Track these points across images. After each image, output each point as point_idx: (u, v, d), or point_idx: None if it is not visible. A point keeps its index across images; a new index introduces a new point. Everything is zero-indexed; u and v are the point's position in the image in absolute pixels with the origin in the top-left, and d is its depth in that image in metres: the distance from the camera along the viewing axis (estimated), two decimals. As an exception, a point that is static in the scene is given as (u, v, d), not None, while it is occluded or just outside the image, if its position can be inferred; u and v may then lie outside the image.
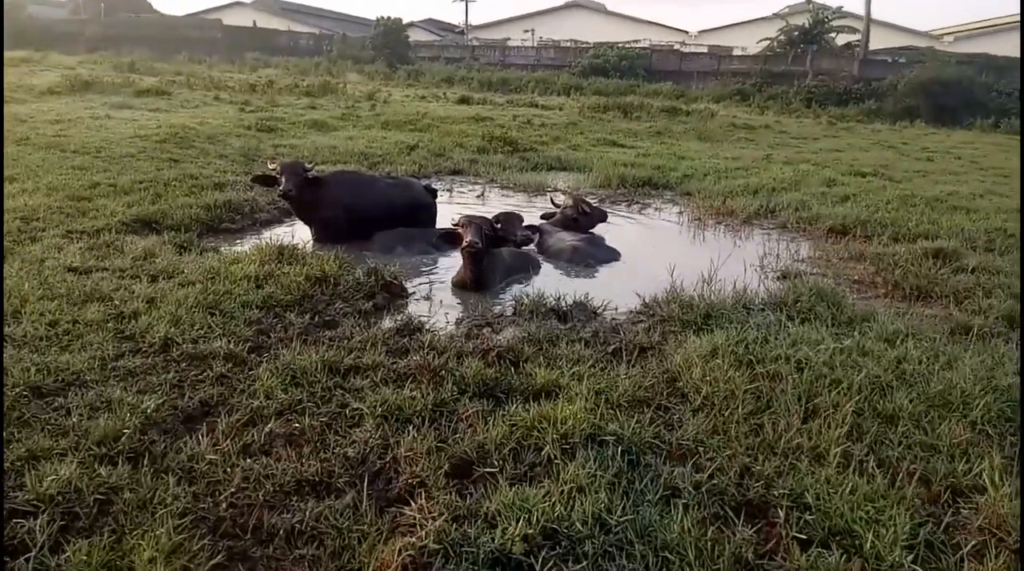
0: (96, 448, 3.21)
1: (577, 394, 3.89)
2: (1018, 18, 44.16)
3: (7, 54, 34.02)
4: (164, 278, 5.74)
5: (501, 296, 6.60)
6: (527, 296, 5.99)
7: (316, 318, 5.21)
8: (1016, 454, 3.59)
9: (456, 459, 3.29)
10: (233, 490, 2.98)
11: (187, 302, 5.07)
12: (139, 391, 3.84)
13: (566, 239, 8.00)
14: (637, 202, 11.47)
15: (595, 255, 7.75)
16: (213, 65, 42.38)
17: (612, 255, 7.93)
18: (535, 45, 57.31)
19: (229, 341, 4.52)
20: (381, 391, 3.93)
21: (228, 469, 3.13)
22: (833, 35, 47.98)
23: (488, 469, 3.23)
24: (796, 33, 46.54)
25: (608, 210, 10.18)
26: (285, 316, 5.15)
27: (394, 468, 3.26)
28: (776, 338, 5.01)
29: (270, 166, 8.11)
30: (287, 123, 18.05)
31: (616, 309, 6.13)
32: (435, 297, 6.44)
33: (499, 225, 7.96)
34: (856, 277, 7.30)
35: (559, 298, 5.93)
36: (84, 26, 54.24)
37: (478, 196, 11.62)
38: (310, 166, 8.12)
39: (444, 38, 66.45)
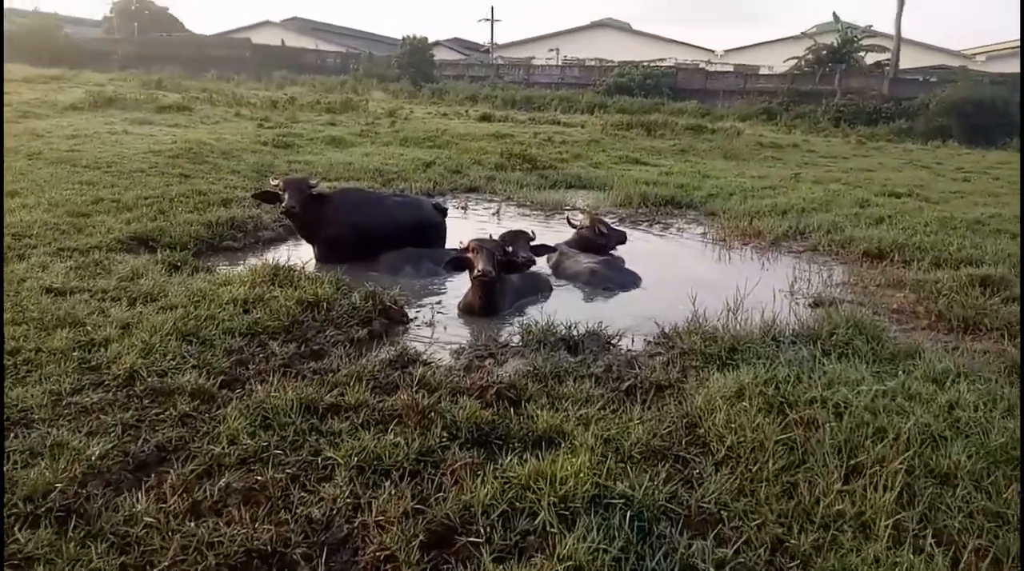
0: (21, 505, 2.79)
1: (582, 445, 3.40)
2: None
3: (40, 72, 34.54)
4: (146, 301, 5.35)
5: (509, 322, 6.14)
6: (535, 324, 5.50)
7: (303, 347, 4.78)
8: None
9: (436, 525, 2.80)
10: (168, 563, 2.53)
11: (164, 328, 4.67)
12: (90, 432, 3.42)
13: (583, 261, 7.54)
14: (659, 222, 10.98)
15: (613, 279, 7.26)
16: (241, 83, 42.69)
17: (631, 279, 7.44)
18: (560, 64, 57.13)
19: (201, 374, 4.09)
20: (360, 436, 3.46)
21: (168, 535, 2.68)
22: (862, 54, 47.12)
23: (472, 539, 2.75)
24: (824, 52, 45.79)
25: (628, 229, 9.69)
26: (269, 345, 4.72)
27: (363, 535, 2.78)
28: (810, 377, 4.49)
29: (272, 182, 7.76)
30: (305, 139, 17.82)
31: (632, 339, 5.64)
32: (438, 323, 5.99)
33: (505, 245, 7.52)
34: (895, 306, 6.73)
35: (570, 326, 5.46)
36: (117, 45, 55.11)
37: (493, 214, 11.20)
38: (315, 182, 7.75)
39: (469, 57, 66.53)
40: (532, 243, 7.61)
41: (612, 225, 9.15)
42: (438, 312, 6.35)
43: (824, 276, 7.74)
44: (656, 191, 12.52)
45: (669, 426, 3.81)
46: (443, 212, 8.29)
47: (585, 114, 35.41)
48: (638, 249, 9.00)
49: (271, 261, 6.44)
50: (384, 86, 46.47)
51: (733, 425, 3.73)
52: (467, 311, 6.32)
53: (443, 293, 7.02)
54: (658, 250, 9.33)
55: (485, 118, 28.12)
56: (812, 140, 28.78)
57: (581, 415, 3.84)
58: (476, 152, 17.00)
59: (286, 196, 7.34)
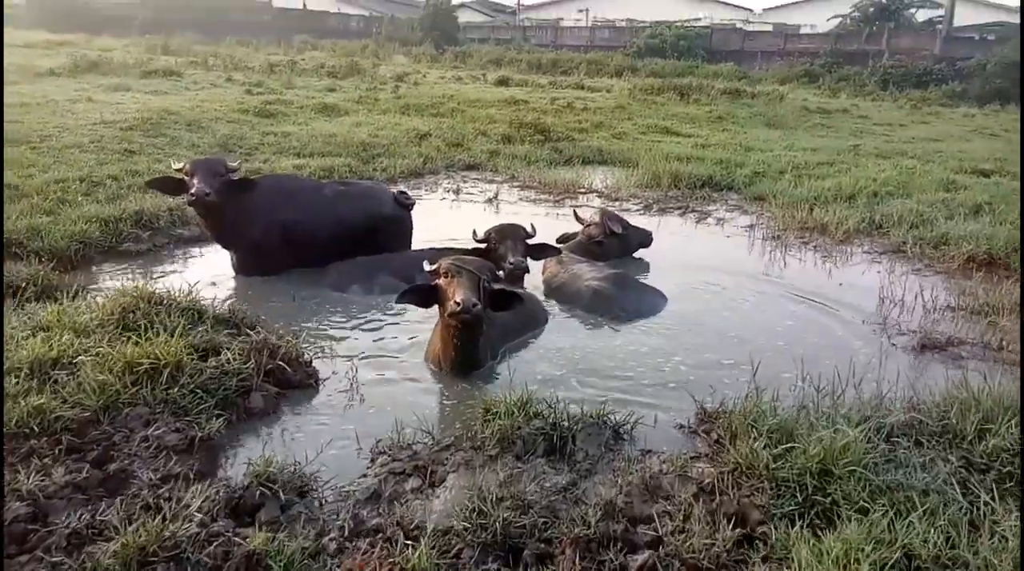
0: None
1: None
2: None
3: (52, 37, 32.65)
4: None
5: (479, 384, 4.14)
6: (504, 400, 3.49)
7: (92, 468, 2.83)
8: None
9: None
10: None
11: None
12: None
13: (585, 275, 5.46)
14: (694, 210, 8.82)
15: (626, 303, 5.19)
16: (260, 48, 40.52)
17: (651, 302, 5.35)
18: (589, 25, 54.30)
19: None
20: None
21: None
22: (913, 10, 43.80)
23: None
24: (872, 8, 42.49)
25: (656, 221, 7.62)
26: (30, 464, 2.78)
27: None
28: (972, 545, 2.46)
29: (175, 166, 5.81)
30: (294, 107, 15.86)
31: (654, 421, 3.62)
32: (364, 386, 4.01)
33: (490, 244, 5.50)
34: (1041, 351, 4.61)
35: (556, 406, 3.44)
36: (137, 10, 53.37)
37: (488, 200, 9.13)
38: (234, 165, 5.79)
39: (495, 19, 63.76)
40: (531, 241, 5.60)
41: (633, 220, 7.06)
42: (376, 360, 4.38)
43: (924, 297, 5.58)
44: (690, 169, 10.33)
45: None
46: (405, 205, 6.25)
47: (614, 78, 32.84)
48: (665, 251, 6.89)
49: (138, 285, 4.45)
50: (406, 50, 44.19)
51: None
52: (435, 363, 4.32)
53: (395, 324, 5.02)
54: (691, 253, 7.18)
55: (502, 82, 25.83)
56: (861, 105, 26.04)
57: None
58: (483, 121, 14.88)
59: (195, 181, 5.42)
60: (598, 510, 2.71)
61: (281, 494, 2.75)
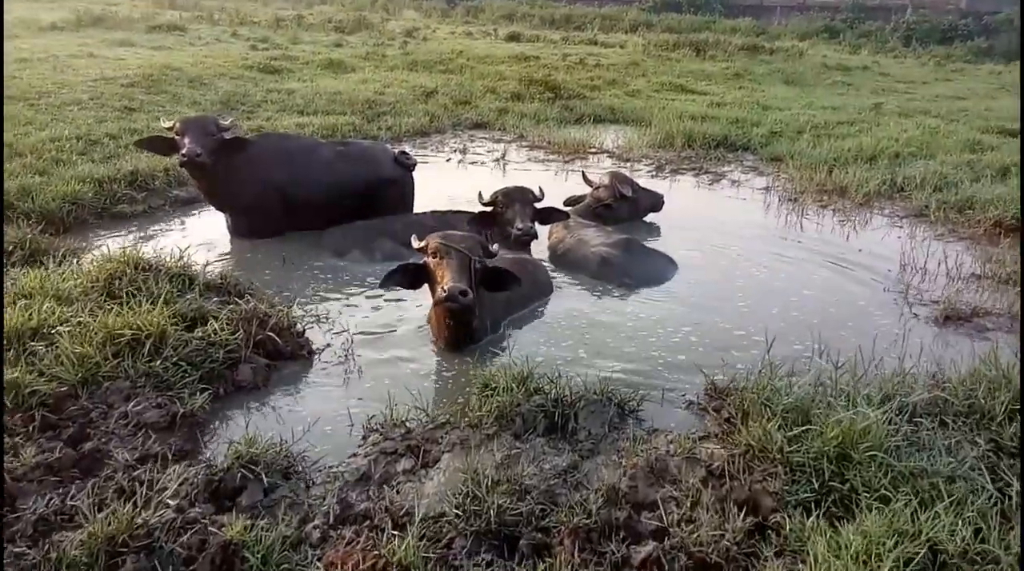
0: None
1: None
2: None
3: None
4: None
5: (479, 358, 3.95)
6: (503, 374, 3.32)
7: (67, 448, 2.69)
8: None
9: None
10: None
11: None
12: None
13: (592, 241, 5.24)
14: (708, 171, 8.52)
15: (634, 270, 4.97)
16: (268, 1, 39.77)
17: (662, 270, 5.14)
18: (603, -22, 52.93)
19: None
20: None
21: None
22: (940, -37, 42.32)
23: None
24: (897, -39, 41.11)
25: (668, 183, 7.34)
26: None
27: None
28: (1002, 537, 2.29)
29: (165, 124, 5.60)
30: (299, 63, 15.51)
31: (661, 398, 3.45)
32: (359, 357, 3.85)
33: (497, 208, 5.29)
34: (1073, 324, 4.38)
35: (558, 382, 3.27)
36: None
37: (496, 160, 8.86)
38: (226, 123, 5.57)
39: (507, -28, 62.26)
40: (538, 205, 5.37)
41: (644, 181, 6.81)
42: (373, 331, 4.21)
43: (948, 263, 5.34)
44: (705, 128, 9.98)
45: None
46: (407, 167, 6.02)
47: (628, 33, 32.03)
48: (677, 215, 6.63)
49: (125, 249, 4.28)
50: (417, 4, 43.29)
51: None
52: (434, 334, 4.14)
53: (394, 294, 4.81)
54: (704, 217, 6.90)
55: (513, 38, 25.23)
56: (883, 62, 25.29)
57: None
58: (492, 78, 14.48)
59: (186, 141, 5.22)
60: (600, 496, 2.55)
61: (264, 477, 2.60)
